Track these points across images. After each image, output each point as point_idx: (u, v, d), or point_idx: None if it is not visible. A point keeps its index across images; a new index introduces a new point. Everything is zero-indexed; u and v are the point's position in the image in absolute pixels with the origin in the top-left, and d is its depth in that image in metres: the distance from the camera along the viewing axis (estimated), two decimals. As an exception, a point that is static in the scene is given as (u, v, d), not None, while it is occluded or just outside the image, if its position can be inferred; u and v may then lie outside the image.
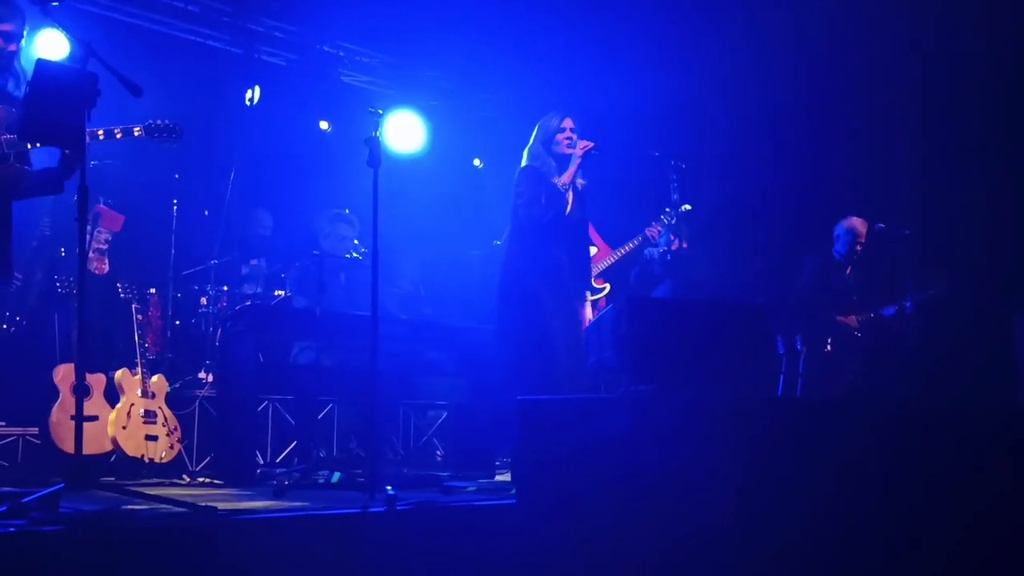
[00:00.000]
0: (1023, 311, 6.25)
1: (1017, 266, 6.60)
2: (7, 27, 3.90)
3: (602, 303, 6.18)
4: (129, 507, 3.31)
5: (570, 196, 5.18)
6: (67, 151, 3.70)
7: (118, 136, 4.31)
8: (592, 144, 5.08)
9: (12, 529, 2.86)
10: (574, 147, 5.14)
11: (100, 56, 3.48)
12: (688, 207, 5.25)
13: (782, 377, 6.92)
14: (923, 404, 3.94)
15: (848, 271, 6.94)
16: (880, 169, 7.17)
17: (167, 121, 4.32)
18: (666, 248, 6.24)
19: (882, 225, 6.66)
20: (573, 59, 7.54)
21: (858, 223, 6.87)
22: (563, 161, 5.19)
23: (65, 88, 3.44)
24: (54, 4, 3.69)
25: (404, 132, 8.39)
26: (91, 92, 3.45)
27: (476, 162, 8.62)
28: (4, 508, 3.04)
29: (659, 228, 5.17)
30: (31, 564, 2.78)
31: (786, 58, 7.14)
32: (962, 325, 6.59)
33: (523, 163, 5.24)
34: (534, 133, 5.29)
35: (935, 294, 6.46)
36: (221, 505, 3.56)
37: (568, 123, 5.22)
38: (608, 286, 6.31)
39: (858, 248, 6.86)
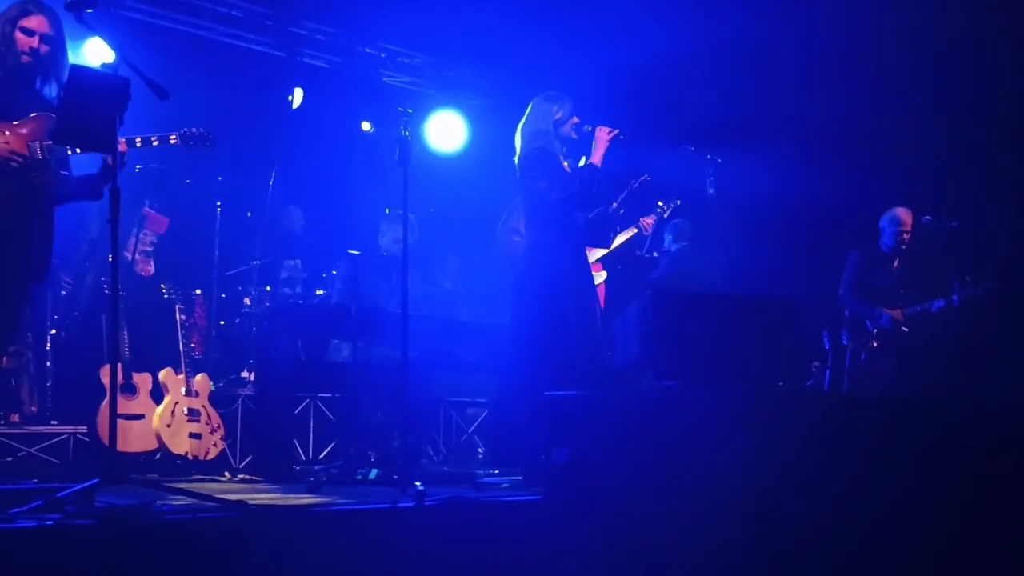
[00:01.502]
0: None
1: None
2: (32, 22, 3.91)
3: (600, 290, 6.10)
4: (161, 502, 3.37)
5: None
6: (108, 158, 3.77)
7: (155, 144, 4.40)
8: (618, 131, 5.02)
9: (48, 522, 2.94)
10: (580, 132, 5.05)
11: (130, 61, 3.55)
12: (679, 201, 5.21)
13: (828, 372, 6.81)
14: (954, 401, 3.86)
15: (895, 264, 6.80)
16: (926, 160, 7.01)
17: (201, 130, 4.39)
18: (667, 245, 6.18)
19: (928, 217, 6.51)
20: (611, 55, 7.50)
21: (903, 213, 6.72)
22: (570, 145, 5.10)
23: (98, 93, 3.52)
24: (88, 11, 3.75)
25: (446, 131, 8.44)
26: (123, 97, 3.53)
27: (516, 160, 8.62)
28: (40, 502, 3.12)
29: (653, 219, 5.12)
30: (65, 557, 2.85)
31: (826, 44, 7.03)
32: (1011, 321, 6.43)
33: (521, 148, 5.12)
34: (529, 115, 5.15)
35: (984, 289, 6.30)
36: (254, 500, 3.63)
37: (567, 107, 5.11)
38: (605, 273, 6.24)
39: (904, 238, 6.71)
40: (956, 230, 6.39)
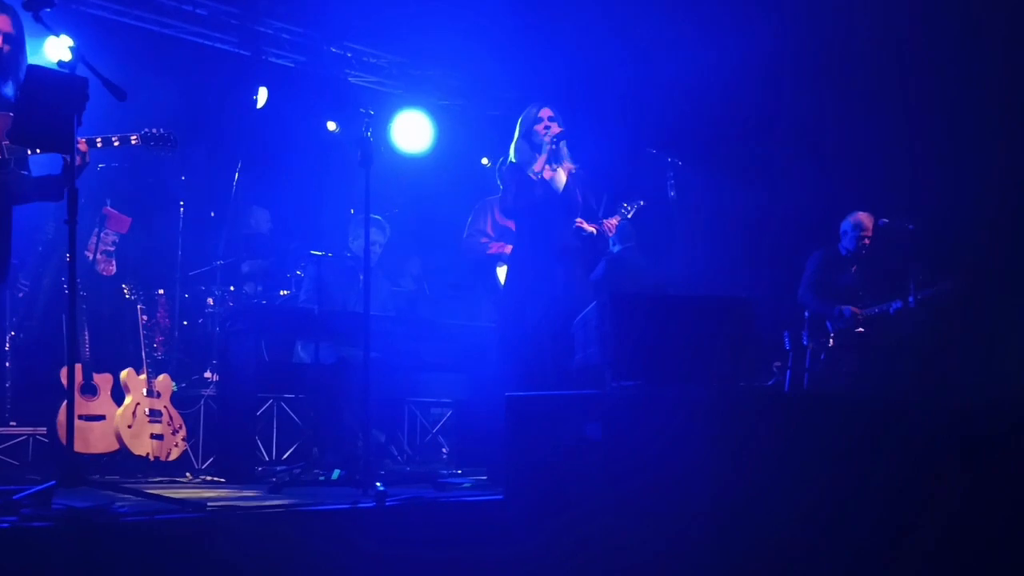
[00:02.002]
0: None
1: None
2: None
3: None
4: (120, 503, 3.36)
5: (562, 179, 5.15)
6: (68, 159, 3.75)
7: (116, 144, 4.39)
8: (560, 129, 5.08)
9: (4, 525, 2.92)
10: (548, 133, 5.11)
11: (88, 61, 3.53)
12: (642, 203, 5.24)
13: (788, 372, 6.89)
14: (913, 400, 3.93)
15: (854, 267, 6.90)
16: (885, 163, 7.12)
17: (163, 130, 4.38)
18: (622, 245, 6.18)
19: (886, 220, 6.62)
20: (579, 57, 7.54)
21: (864, 217, 6.83)
22: (540, 148, 5.15)
23: (55, 93, 3.49)
24: (47, 9, 3.72)
25: (412, 132, 8.44)
26: (81, 96, 3.51)
27: (484, 161, 8.65)
28: (-4, 504, 3.10)
29: (617, 219, 5.16)
30: (21, 559, 2.83)
31: (787, 49, 7.10)
32: (968, 321, 6.54)
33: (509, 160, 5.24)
34: (517, 127, 5.27)
35: (940, 289, 6.41)
36: (215, 502, 3.62)
37: (545, 112, 5.18)
38: None
39: (865, 243, 6.82)
40: (914, 232, 6.50)
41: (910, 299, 6.32)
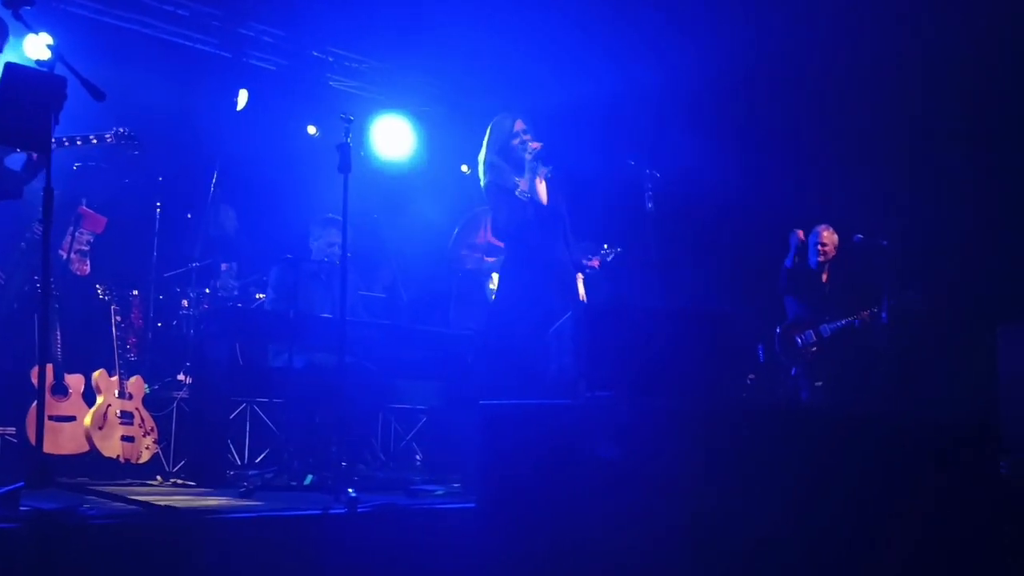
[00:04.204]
0: (1008, 323, 6.26)
1: (1001, 277, 6.61)
2: None
3: None
4: (88, 506, 3.34)
5: (543, 191, 5.09)
6: (34, 156, 3.74)
7: (94, 142, 4.43)
8: (540, 145, 5.01)
9: (-30, 526, 2.90)
10: (527, 149, 5.04)
11: (67, 61, 3.51)
12: (619, 250, 5.32)
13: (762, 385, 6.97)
14: (881, 412, 3.97)
15: (824, 278, 6.99)
16: (860, 178, 7.20)
17: (128, 130, 4.45)
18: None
19: (860, 236, 6.70)
20: (558, 64, 7.57)
21: (821, 229, 6.99)
22: (520, 164, 5.09)
23: (33, 91, 3.48)
24: (27, 7, 3.71)
25: (392, 137, 8.43)
26: (59, 96, 3.50)
27: (464, 168, 8.65)
28: (-38, 505, 3.07)
29: (597, 261, 5.20)
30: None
31: (765, 64, 7.17)
32: (941, 336, 6.62)
33: (482, 180, 5.15)
34: (486, 140, 5.16)
35: (910, 301, 6.48)
36: (184, 505, 3.60)
37: (519, 125, 5.11)
38: None
39: (822, 251, 6.92)
40: (887, 248, 6.58)
41: (882, 314, 6.40)
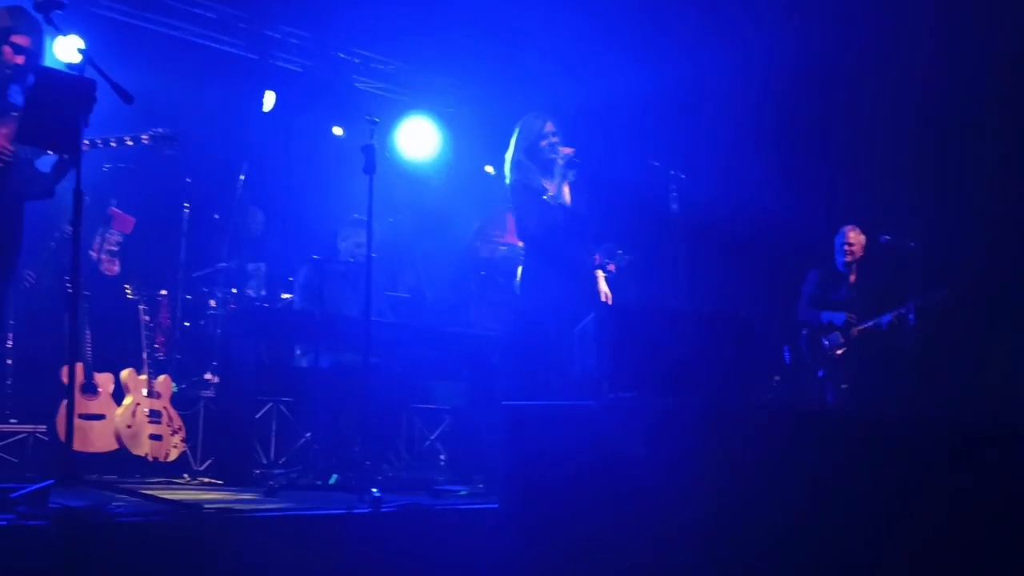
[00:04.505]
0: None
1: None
2: (22, 40, 3.99)
3: None
4: (116, 504, 3.38)
5: (566, 193, 5.10)
6: (64, 157, 3.80)
7: (129, 144, 4.50)
8: (572, 150, 5.02)
9: (1, 523, 2.94)
10: (556, 152, 5.04)
11: (96, 64, 3.56)
12: (630, 257, 5.31)
13: (788, 387, 6.93)
14: (907, 414, 3.94)
15: (852, 280, 6.94)
16: (887, 179, 7.15)
17: (166, 130, 4.50)
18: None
19: (888, 237, 6.64)
20: (584, 64, 7.57)
21: (848, 230, 6.92)
22: (549, 166, 5.09)
23: (63, 94, 3.53)
24: (58, 11, 3.76)
25: (418, 138, 8.46)
26: (89, 98, 3.55)
27: (488, 169, 8.66)
28: (-8, 503, 3.12)
29: (614, 266, 5.19)
30: (17, 557, 2.85)
31: (791, 65, 7.13)
32: (968, 337, 6.55)
33: (508, 177, 5.15)
34: (514, 139, 5.16)
35: (938, 301, 6.42)
36: (210, 504, 3.64)
37: (550, 127, 5.11)
38: None
39: (849, 252, 6.87)
40: (915, 250, 6.52)
41: (910, 315, 6.34)
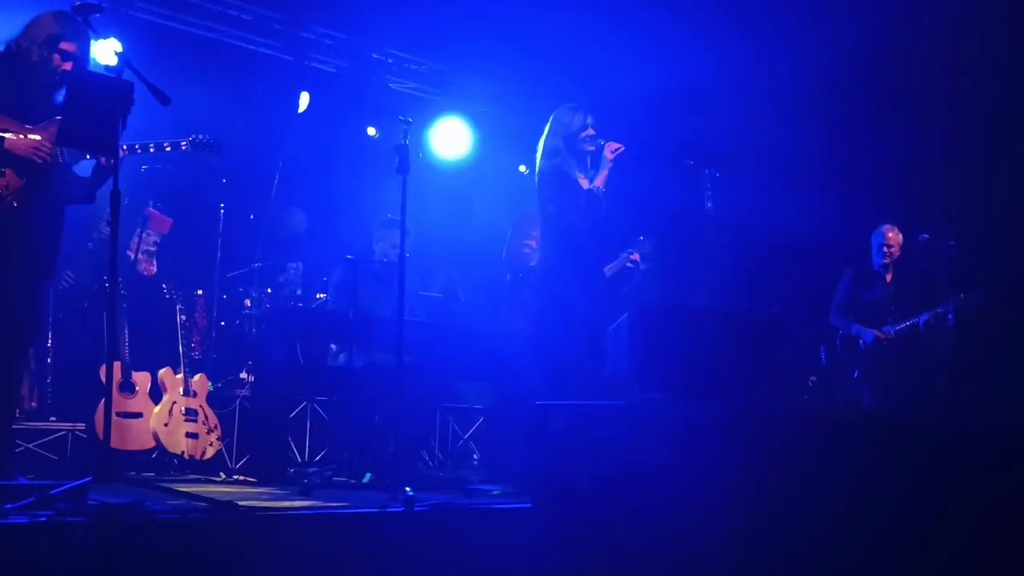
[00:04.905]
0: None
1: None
2: (70, 47, 4.05)
3: None
4: (153, 501, 3.42)
5: (600, 185, 5.07)
6: (104, 161, 3.84)
7: (168, 150, 4.58)
8: (623, 147, 5.00)
9: (40, 519, 2.99)
10: (595, 145, 5.03)
11: (134, 66, 3.60)
12: (642, 238, 5.27)
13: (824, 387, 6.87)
14: (945, 419, 3.88)
15: (888, 279, 6.87)
16: (924, 178, 7.06)
17: (208, 137, 4.60)
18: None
19: (926, 236, 6.56)
20: (617, 65, 7.55)
21: (886, 229, 6.84)
22: (583, 159, 5.08)
23: (101, 97, 3.58)
24: (96, 15, 3.81)
25: (451, 139, 8.48)
26: (127, 100, 3.59)
27: (522, 168, 8.67)
28: (33, 499, 3.17)
29: (638, 255, 5.16)
30: (56, 554, 2.90)
31: (826, 62, 7.06)
32: (1005, 338, 6.45)
33: (539, 163, 5.12)
34: (548, 127, 5.15)
35: (977, 302, 6.33)
36: (245, 502, 3.67)
37: (590, 121, 5.10)
38: None
39: (887, 252, 6.79)
40: (954, 249, 6.44)
41: (948, 316, 6.26)
